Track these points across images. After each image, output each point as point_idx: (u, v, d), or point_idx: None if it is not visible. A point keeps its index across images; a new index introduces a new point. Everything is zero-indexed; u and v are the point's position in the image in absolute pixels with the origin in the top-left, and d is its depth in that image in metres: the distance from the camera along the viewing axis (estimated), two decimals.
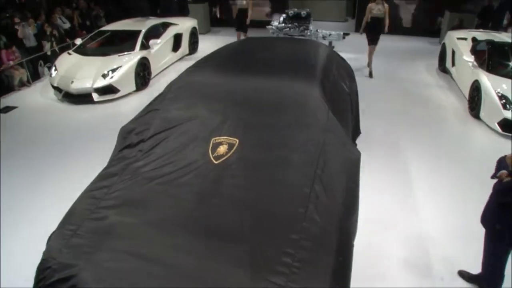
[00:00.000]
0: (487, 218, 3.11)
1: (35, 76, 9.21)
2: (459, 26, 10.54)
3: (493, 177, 3.01)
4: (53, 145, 6.05)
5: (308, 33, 9.82)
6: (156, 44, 8.48)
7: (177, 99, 3.44)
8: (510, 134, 6.02)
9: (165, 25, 9.51)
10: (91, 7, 11.78)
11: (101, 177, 3.00)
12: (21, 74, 8.63)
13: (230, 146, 2.92)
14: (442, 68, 9.06)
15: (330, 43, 9.87)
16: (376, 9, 8.29)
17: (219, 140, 2.97)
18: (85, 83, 7.35)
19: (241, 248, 2.31)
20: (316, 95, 3.27)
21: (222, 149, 2.91)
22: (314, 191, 2.60)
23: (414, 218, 4.30)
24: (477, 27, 10.27)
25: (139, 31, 8.48)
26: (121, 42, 8.54)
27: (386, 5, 8.33)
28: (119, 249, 2.37)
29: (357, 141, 5.30)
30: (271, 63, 3.93)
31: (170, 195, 2.68)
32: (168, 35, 9.23)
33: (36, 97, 8.15)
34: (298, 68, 3.75)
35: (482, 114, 6.55)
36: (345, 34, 9.88)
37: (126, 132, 3.41)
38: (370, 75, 8.72)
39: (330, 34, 9.79)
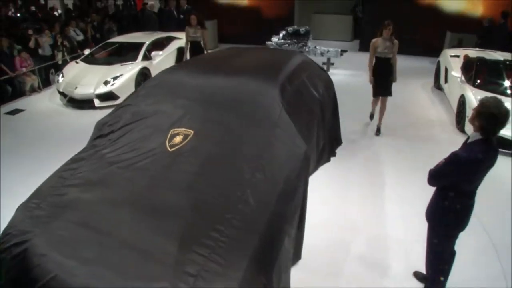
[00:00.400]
0: (429, 210, 3.21)
1: (47, 83, 9.79)
2: (459, 45, 10.70)
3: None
4: (54, 146, 6.40)
5: (306, 49, 10.14)
6: (158, 56, 8.95)
7: (148, 96, 3.76)
8: None
9: (170, 39, 10.00)
10: (105, 21, 12.43)
11: (72, 160, 3.33)
12: (33, 80, 9.20)
13: (185, 136, 3.20)
14: (437, 85, 9.22)
15: (329, 59, 10.16)
16: (382, 47, 6.18)
17: (176, 132, 3.26)
18: (88, 89, 7.81)
19: (178, 223, 2.55)
20: (272, 95, 3.53)
21: (178, 139, 3.19)
22: (254, 178, 2.84)
23: (384, 224, 4.44)
24: (476, 46, 10.41)
25: (143, 43, 8.99)
26: (125, 53, 9.05)
27: (396, 41, 6.19)
28: (72, 220, 2.64)
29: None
30: (242, 67, 4.22)
31: (126, 177, 2.96)
32: (171, 48, 9.71)
33: (44, 102, 8.67)
34: (264, 72, 4.03)
35: (466, 128, 6.66)
36: (343, 51, 10.16)
37: (101, 125, 3.75)
38: (378, 131, 6.74)
39: (328, 51, 10.09)
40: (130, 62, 8.46)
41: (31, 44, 9.57)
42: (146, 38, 9.45)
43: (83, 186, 2.95)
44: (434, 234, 3.20)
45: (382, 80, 6.37)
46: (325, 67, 9.96)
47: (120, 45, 9.45)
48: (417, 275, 3.66)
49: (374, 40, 6.30)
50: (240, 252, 2.39)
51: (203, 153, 3.06)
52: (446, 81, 8.49)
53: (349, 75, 9.92)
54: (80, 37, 11.19)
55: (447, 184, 3.00)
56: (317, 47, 10.32)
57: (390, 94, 6.51)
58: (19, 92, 8.99)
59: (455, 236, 3.17)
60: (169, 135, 3.24)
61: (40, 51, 9.80)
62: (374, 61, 6.40)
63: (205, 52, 8.17)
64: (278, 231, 2.70)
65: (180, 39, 10.22)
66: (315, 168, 4.69)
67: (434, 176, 3.02)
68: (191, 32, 8.07)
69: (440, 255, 3.23)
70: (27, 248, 2.47)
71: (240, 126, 3.25)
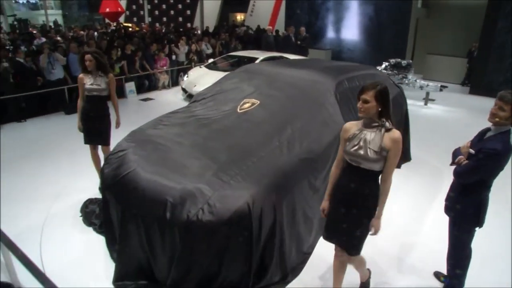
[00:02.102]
0: (449, 205, 3.21)
1: (176, 83, 11.87)
2: None
3: (451, 164, 3.16)
4: None
5: (406, 81, 10.44)
6: None
7: (233, 78, 4.95)
8: None
9: (281, 57, 11.27)
10: (231, 40, 14.43)
11: (170, 112, 4.59)
12: (165, 79, 11.31)
13: (253, 104, 4.22)
14: None
15: (427, 94, 10.22)
16: (355, 143, 2.63)
17: (247, 101, 4.31)
18: (203, 88, 9.38)
19: (225, 152, 3.52)
20: (327, 85, 4.35)
21: (246, 105, 4.23)
22: (292, 136, 3.70)
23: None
24: None
25: (256, 58, 10.41)
26: (241, 65, 10.52)
27: (395, 133, 2.57)
28: (156, 142, 3.82)
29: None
30: (314, 67, 5.10)
31: (201, 123, 4.08)
32: None
33: (169, 96, 10.63)
34: (330, 71, 4.84)
35: None
36: (443, 87, 10.19)
37: (198, 95, 5.00)
38: None
39: (427, 85, 10.24)
40: None
41: (166, 50, 11.74)
42: (260, 54, 10.90)
43: (170, 126, 4.15)
44: (456, 226, 3.22)
45: (341, 215, 2.81)
46: (424, 101, 10.16)
47: (238, 58, 11.05)
48: (437, 275, 3.68)
49: (346, 125, 2.84)
50: (261, 176, 3.23)
51: (261, 115, 4.03)
52: None
53: (445, 110, 9.90)
54: (209, 51, 13.24)
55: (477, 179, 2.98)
56: (417, 80, 10.56)
57: (354, 250, 2.89)
58: (153, 86, 11.16)
59: (474, 230, 3.17)
60: (241, 102, 4.29)
61: (173, 57, 11.96)
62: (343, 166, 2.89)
63: (116, 111, 4.97)
64: (299, 175, 3.46)
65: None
66: None
67: (468, 173, 2.97)
68: (87, 82, 4.67)
69: (460, 248, 3.24)
70: (125, 153, 3.69)
71: (293, 101, 4.15)
